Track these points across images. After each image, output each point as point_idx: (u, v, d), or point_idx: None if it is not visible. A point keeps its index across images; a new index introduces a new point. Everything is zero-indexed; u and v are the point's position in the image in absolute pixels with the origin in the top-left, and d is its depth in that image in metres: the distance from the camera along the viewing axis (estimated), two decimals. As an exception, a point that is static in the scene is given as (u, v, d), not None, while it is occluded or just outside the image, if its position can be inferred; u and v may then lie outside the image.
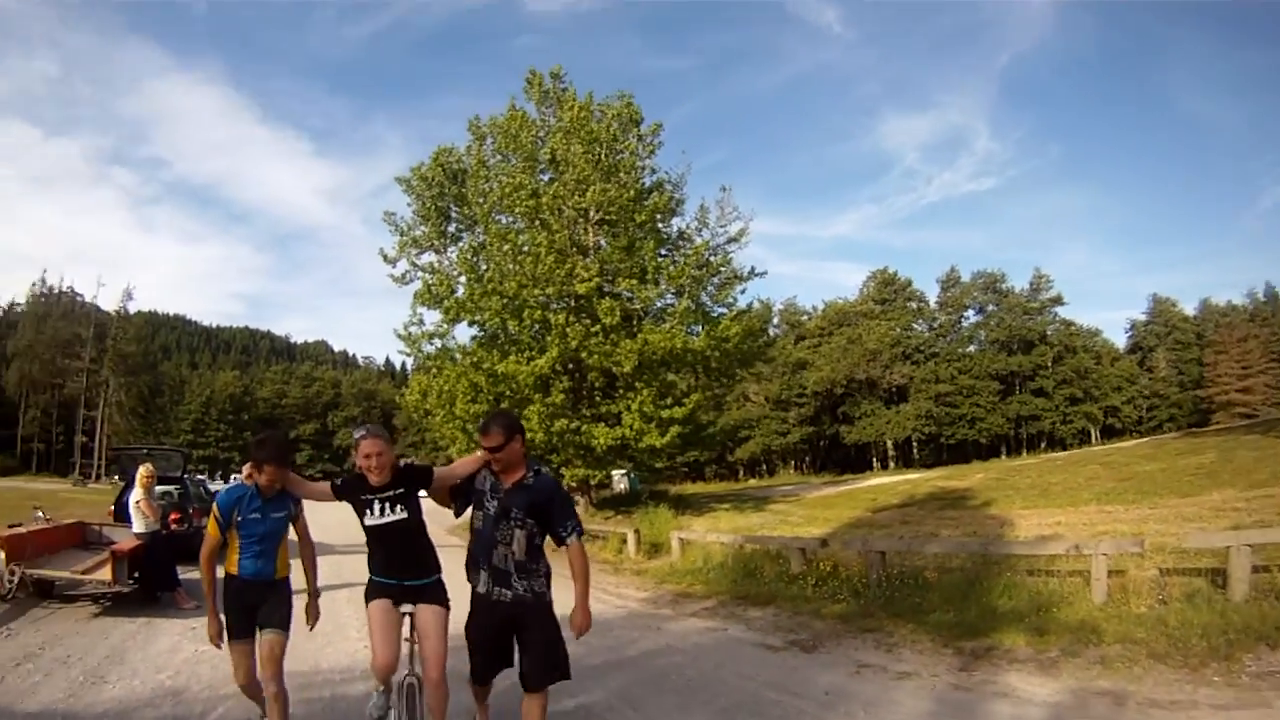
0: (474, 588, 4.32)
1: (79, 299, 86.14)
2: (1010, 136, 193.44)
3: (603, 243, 23.37)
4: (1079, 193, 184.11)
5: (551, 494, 4.29)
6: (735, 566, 11.83)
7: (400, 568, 4.38)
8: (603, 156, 22.87)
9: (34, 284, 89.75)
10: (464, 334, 28.94)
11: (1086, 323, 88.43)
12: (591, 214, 22.87)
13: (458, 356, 23.81)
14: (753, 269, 25.48)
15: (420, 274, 25.35)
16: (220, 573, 4.71)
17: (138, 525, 10.52)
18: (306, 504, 4.81)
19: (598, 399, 23.19)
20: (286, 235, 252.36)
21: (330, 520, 21.85)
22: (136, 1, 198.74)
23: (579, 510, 26.90)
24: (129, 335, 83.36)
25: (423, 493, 4.41)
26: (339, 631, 8.38)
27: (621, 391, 22.64)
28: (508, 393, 22.21)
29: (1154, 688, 5.55)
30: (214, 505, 4.65)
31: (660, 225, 24.33)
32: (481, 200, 23.38)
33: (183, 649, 7.73)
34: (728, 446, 78.77)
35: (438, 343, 24.62)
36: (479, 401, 22.33)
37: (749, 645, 7.89)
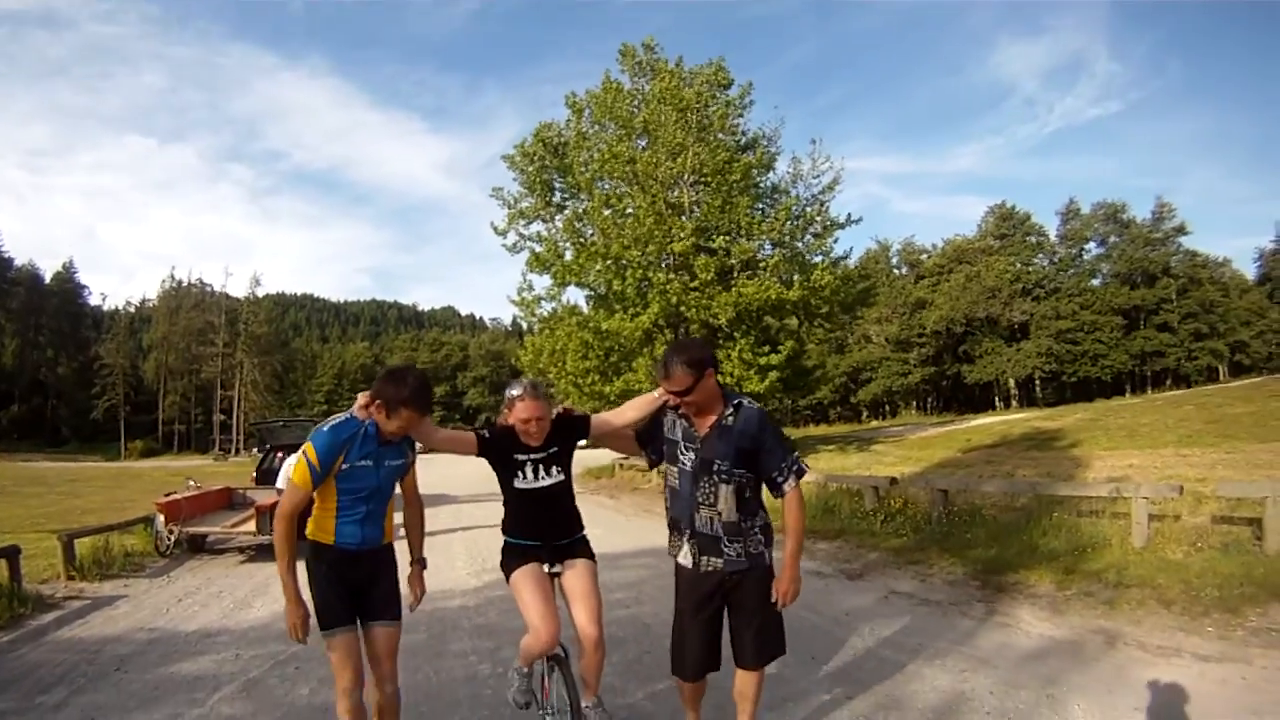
0: (676, 560, 3.68)
1: (209, 289, 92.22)
2: (1130, 56, 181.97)
3: (699, 202, 23.80)
4: (1205, 114, 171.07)
5: (759, 431, 3.49)
6: (817, 504, 12.27)
7: (548, 529, 3.84)
8: (694, 122, 23.24)
9: (164, 280, 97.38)
10: (574, 296, 30.04)
11: (1215, 252, 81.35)
12: (687, 176, 23.31)
13: (566, 317, 24.96)
14: (849, 216, 25.51)
15: (528, 243, 26.65)
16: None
17: (281, 483, 11.75)
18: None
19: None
20: (408, 209, 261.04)
21: (455, 471, 23.31)
22: (234, 10, 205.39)
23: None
24: (259, 318, 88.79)
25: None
26: (449, 565, 9.65)
27: (721, 341, 23.15)
28: (615, 348, 23.37)
29: (1148, 632, 5.70)
30: (307, 447, 3.47)
31: (756, 180, 24.59)
32: (583, 169, 24.23)
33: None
34: (849, 388, 78.03)
35: (548, 305, 25.96)
36: (589, 358, 23.53)
37: (807, 575, 8.12)
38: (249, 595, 8.57)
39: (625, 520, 14.98)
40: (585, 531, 4.00)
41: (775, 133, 25.64)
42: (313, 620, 3.52)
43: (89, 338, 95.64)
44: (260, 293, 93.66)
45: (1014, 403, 74.57)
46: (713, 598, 3.57)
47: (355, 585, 3.59)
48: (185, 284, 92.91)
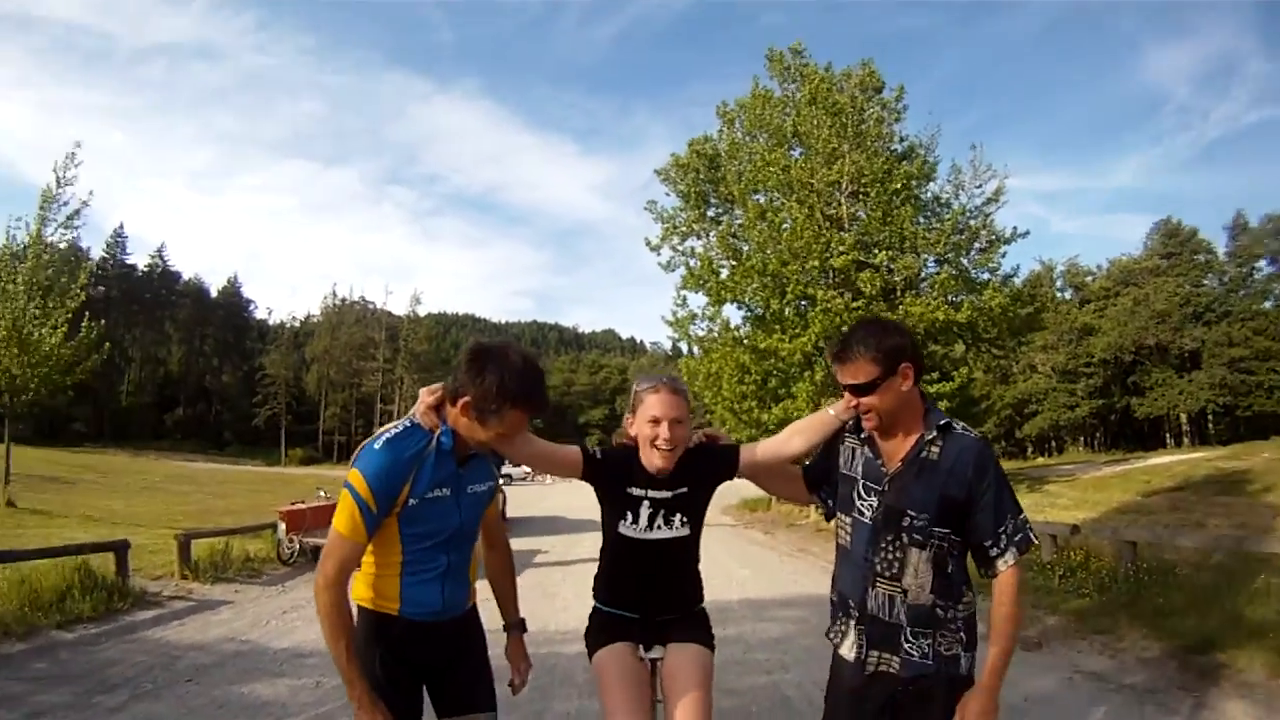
0: (835, 648, 2.58)
1: (370, 306, 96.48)
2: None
3: (858, 214, 22.81)
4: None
5: (977, 474, 2.36)
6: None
7: (652, 598, 2.79)
8: (848, 126, 22.24)
9: (326, 296, 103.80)
10: (731, 316, 29.50)
11: None
12: (844, 185, 22.35)
13: (722, 335, 24.09)
14: (1015, 229, 23.72)
15: (683, 259, 26.12)
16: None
17: None
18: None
19: (864, 376, 22.52)
20: (565, 231, 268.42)
21: (578, 502, 22.80)
22: (387, 39, 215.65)
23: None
24: (419, 335, 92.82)
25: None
26: (576, 597, 8.94)
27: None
28: (775, 371, 22.39)
29: None
30: (352, 476, 2.31)
31: (916, 191, 23.28)
32: (737, 179, 23.63)
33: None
34: (1015, 422, 73.34)
35: (703, 325, 25.06)
36: (745, 382, 22.61)
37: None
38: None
39: (779, 561, 14.05)
40: (705, 602, 2.96)
41: (932, 140, 24.21)
42: None
43: (253, 349, 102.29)
44: (421, 311, 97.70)
45: (1185, 439, 68.64)
46: (880, 714, 2.44)
47: (428, 670, 2.56)
48: (347, 300, 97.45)
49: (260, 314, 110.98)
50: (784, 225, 22.13)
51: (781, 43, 25.19)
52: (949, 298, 21.69)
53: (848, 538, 2.55)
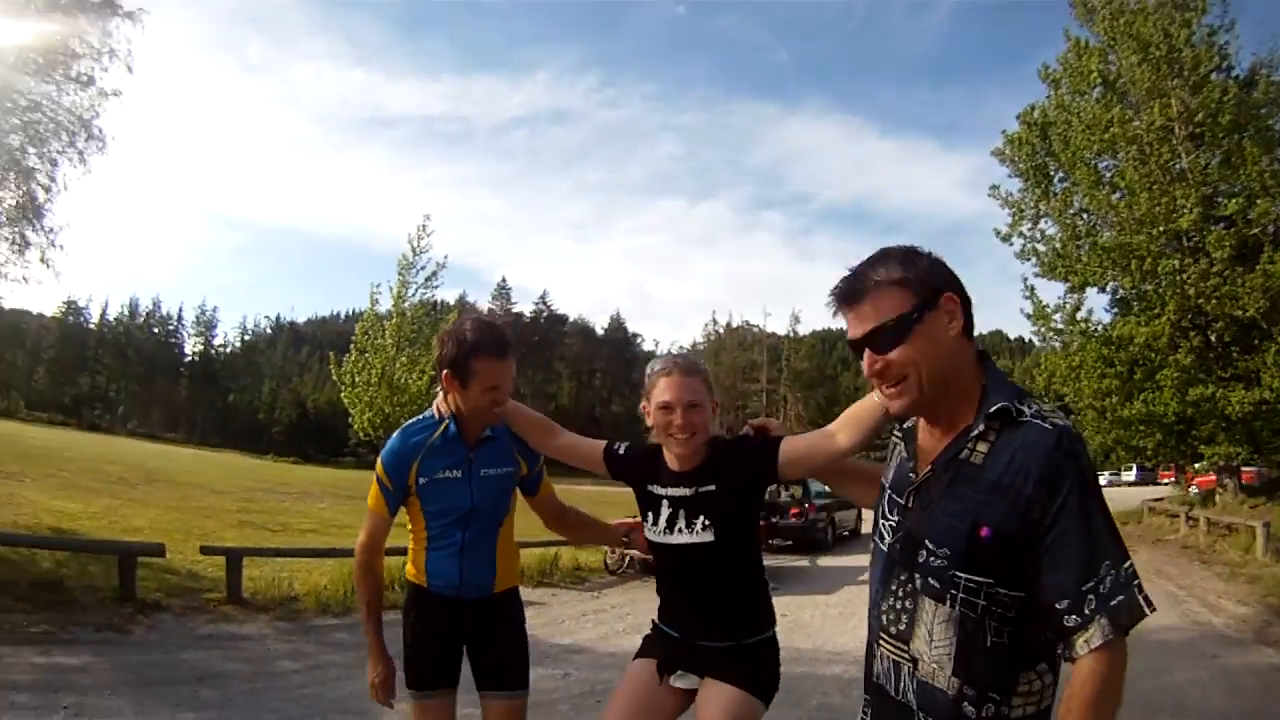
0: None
1: (752, 329, 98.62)
2: None
3: (1200, 162, 18.95)
4: None
5: (1045, 484, 1.43)
6: None
7: (690, 617, 2.46)
8: (1162, 59, 18.58)
9: (706, 324, 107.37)
10: (1094, 303, 26.07)
11: None
12: (1178, 130, 18.62)
13: (1067, 325, 21.60)
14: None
15: (1032, 245, 23.31)
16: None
17: None
18: None
19: (1234, 354, 18.79)
20: (942, 231, 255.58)
21: None
22: (725, 73, 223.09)
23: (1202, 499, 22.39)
24: (800, 354, 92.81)
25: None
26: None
27: (1258, 341, 18.00)
28: (1141, 360, 19.47)
29: None
30: (378, 461, 2.70)
31: (1268, 121, 18.68)
32: (1064, 146, 20.88)
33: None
34: None
35: (1060, 317, 22.22)
36: (1108, 376, 19.91)
37: None
38: (647, 622, 8.49)
39: None
40: (768, 633, 2.44)
41: (1274, 57, 19.15)
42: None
43: (641, 379, 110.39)
44: (801, 330, 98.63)
45: None
46: None
47: (459, 642, 2.74)
48: (728, 325, 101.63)
49: (647, 346, 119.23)
50: (1118, 192, 19.35)
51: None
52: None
53: (873, 565, 1.77)
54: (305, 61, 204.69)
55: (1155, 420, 19.22)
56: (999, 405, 1.50)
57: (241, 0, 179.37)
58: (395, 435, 2.70)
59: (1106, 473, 60.36)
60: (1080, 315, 21.51)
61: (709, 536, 2.32)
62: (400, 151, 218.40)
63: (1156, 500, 25.05)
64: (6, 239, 13.76)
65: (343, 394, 24.19)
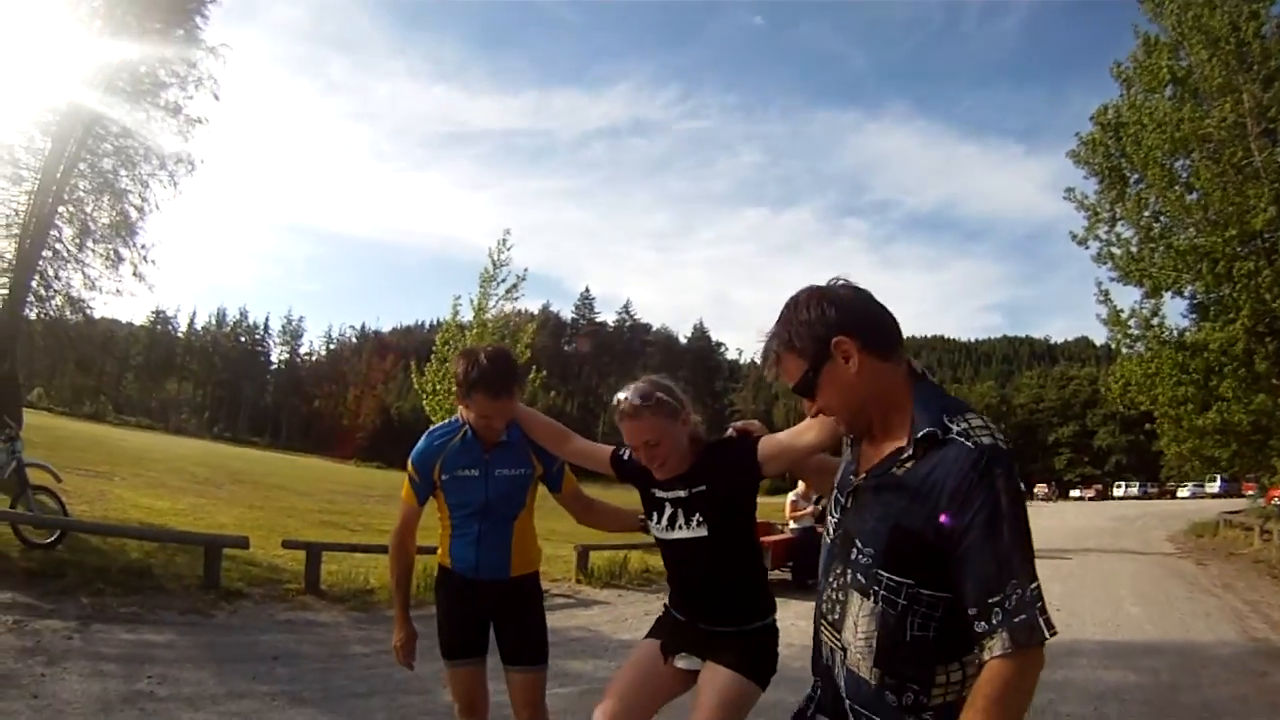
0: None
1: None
2: None
3: (1274, 160, 18.32)
4: None
5: (959, 499, 1.56)
6: None
7: (693, 602, 2.72)
8: (1231, 53, 18.09)
9: None
10: (1171, 308, 25.41)
11: None
12: (1250, 127, 18.13)
13: (1143, 331, 21.10)
14: None
15: (1106, 247, 22.70)
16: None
17: (792, 522, 12.94)
18: None
19: (1311, 362, 18.14)
20: (1026, 237, 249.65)
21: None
22: (804, 82, 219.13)
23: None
24: None
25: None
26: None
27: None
28: (1217, 367, 18.85)
29: None
30: (409, 459, 3.17)
31: None
32: (1136, 146, 20.33)
33: (794, 625, 8.98)
34: None
35: (1134, 323, 21.64)
36: (1183, 384, 19.41)
37: None
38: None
39: (1187, 598, 11.77)
40: (767, 619, 2.69)
41: None
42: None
43: (725, 388, 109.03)
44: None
45: None
46: None
47: (478, 616, 3.20)
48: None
49: (731, 355, 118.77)
50: (1190, 195, 18.94)
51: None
52: None
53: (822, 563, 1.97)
54: (385, 80, 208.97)
55: (1230, 430, 18.67)
56: (925, 431, 1.63)
57: (324, 23, 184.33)
58: (423, 437, 3.17)
59: (1190, 484, 58.69)
60: (1155, 321, 20.99)
61: (703, 531, 2.60)
62: (482, 165, 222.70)
63: (1233, 513, 24.50)
64: (101, 254, 14.79)
65: (424, 401, 24.94)
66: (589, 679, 5.32)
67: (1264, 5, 18.39)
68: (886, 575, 1.65)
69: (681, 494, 2.64)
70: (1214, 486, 53.22)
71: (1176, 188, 19.39)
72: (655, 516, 2.73)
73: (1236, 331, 17.89)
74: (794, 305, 1.83)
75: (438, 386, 23.28)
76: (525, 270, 25.05)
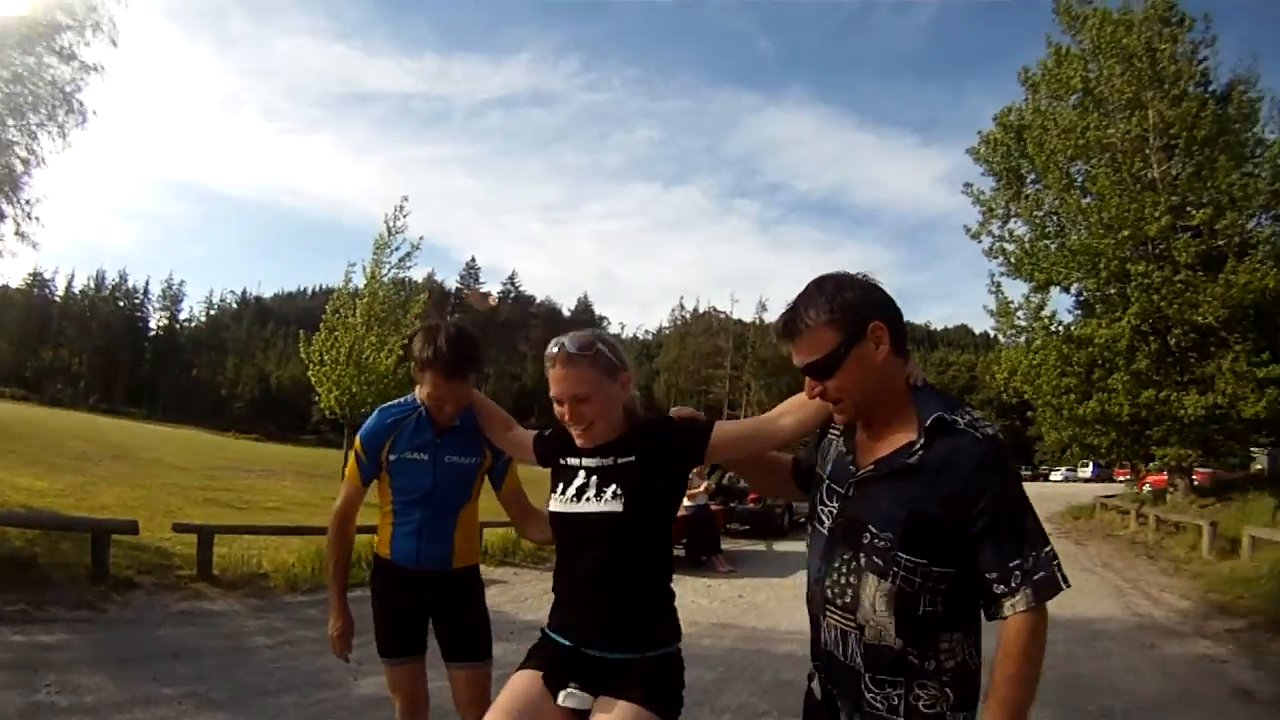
0: (808, 684, 2.06)
1: (719, 315, 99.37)
2: None
3: (1172, 172, 19.57)
4: None
5: (974, 487, 1.70)
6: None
7: (582, 612, 2.22)
8: (1144, 71, 19.19)
9: (673, 309, 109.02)
10: (1058, 303, 26.65)
11: None
12: (1152, 141, 19.24)
13: (1032, 324, 22.26)
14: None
15: (1001, 244, 23.87)
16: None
17: (687, 499, 12.76)
18: None
19: (1191, 360, 19.46)
20: (915, 227, 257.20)
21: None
22: (708, 61, 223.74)
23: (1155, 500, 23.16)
24: (766, 341, 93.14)
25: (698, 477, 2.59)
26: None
27: (1214, 349, 18.69)
28: (1100, 361, 20.16)
29: None
30: (357, 436, 2.94)
31: (1239, 135, 19.37)
32: (1039, 150, 21.34)
33: (695, 603, 9.17)
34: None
35: (1022, 315, 22.88)
36: (1067, 374, 20.64)
37: (1225, 690, 6.10)
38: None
39: (1071, 575, 12.38)
40: (670, 647, 2.22)
41: (1251, 74, 19.88)
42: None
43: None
44: (768, 318, 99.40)
45: None
46: None
47: (421, 612, 2.96)
48: (696, 311, 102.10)
49: (614, 329, 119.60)
50: (1088, 196, 19.97)
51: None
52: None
53: (810, 555, 1.99)
54: (285, 36, 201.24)
55: (1110, 420, 19.90)
56: (935, 416, 1.75)
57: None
58: (374, 413, 2.94)
59: (1064, 468, 61.72)
60: (1045, 313, 22.14)
61: (617, 506, 2.14)
62: (376, 129, 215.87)
63: (1109, 497, 26.00)
64: (-20, 210, 13.66)
65: (310, 372, 24.14)
66: (498, 664, 5.25)
67: (1180, 30, 19.53)
68: (906, 557, 1.74)
69: (604, 462, 2.21)
70: (1086, 471, 56.02)
71: (1074, 191, 20.43)
72: (561, 488, 2.27)
73: (1123, 328, 18.92)
74: (835, 282, 1.84)
75: (325, 356, 22.67)
76: (421, 239, 24.65)
